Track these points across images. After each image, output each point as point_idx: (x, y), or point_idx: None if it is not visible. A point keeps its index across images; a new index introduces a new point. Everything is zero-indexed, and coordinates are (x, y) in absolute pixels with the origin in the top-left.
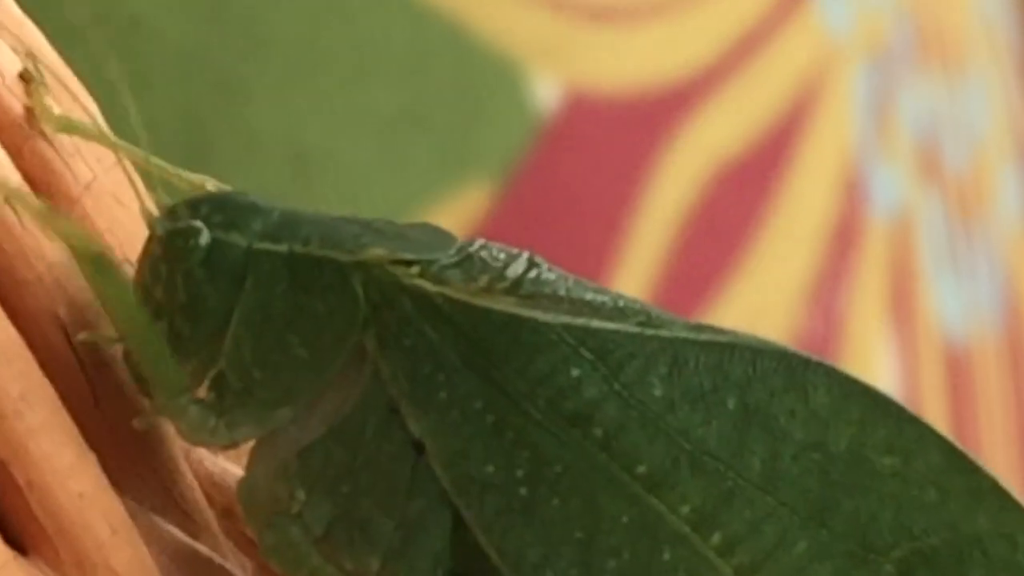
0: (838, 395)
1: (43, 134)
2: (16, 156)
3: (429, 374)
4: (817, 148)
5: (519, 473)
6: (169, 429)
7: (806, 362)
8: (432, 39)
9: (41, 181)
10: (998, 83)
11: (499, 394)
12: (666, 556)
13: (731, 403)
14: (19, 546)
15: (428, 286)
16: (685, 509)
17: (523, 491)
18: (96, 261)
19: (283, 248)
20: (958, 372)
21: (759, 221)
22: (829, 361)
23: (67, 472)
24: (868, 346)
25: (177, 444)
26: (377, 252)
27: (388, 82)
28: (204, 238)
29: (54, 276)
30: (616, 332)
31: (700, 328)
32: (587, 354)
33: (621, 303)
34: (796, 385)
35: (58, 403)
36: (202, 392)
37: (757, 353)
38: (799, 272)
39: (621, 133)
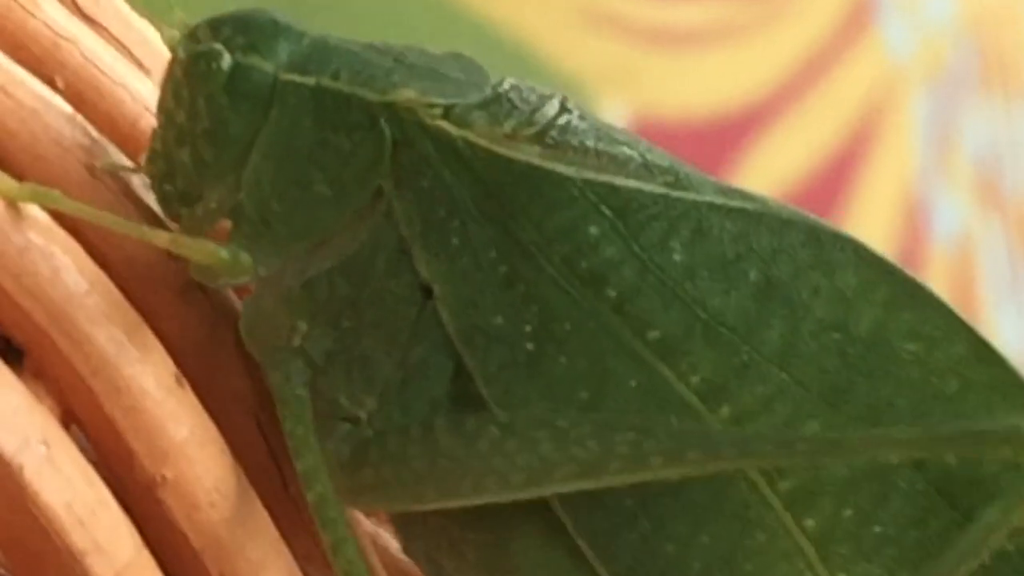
0: (865, 275)
1: None
2: None
3: (444, 218)
4: (880, 173)
5: (527, 328)
6: (358, 516)
7: (835, 237)
8: (501, 65)
9: None
10: None
11: (514, 245)
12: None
13: (753, 275)
14: None
15: (451, 128)
16: (695, 379)
17: (530, 346)
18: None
19: (311, 81)
20: None
21: None
22: (858, 238)
23: (260, 562)
24: None
25: (366, 531)
26: (407, 94)
27: None
28: (226, 62)
29: (243, 360)
30: (640, 192)
31: (730, 193)
32: (608, 212)
33: (650, 158)
34: (823, 261)
35: (251, 492)
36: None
37: (785, 224)
38: None
39: (687, 158)
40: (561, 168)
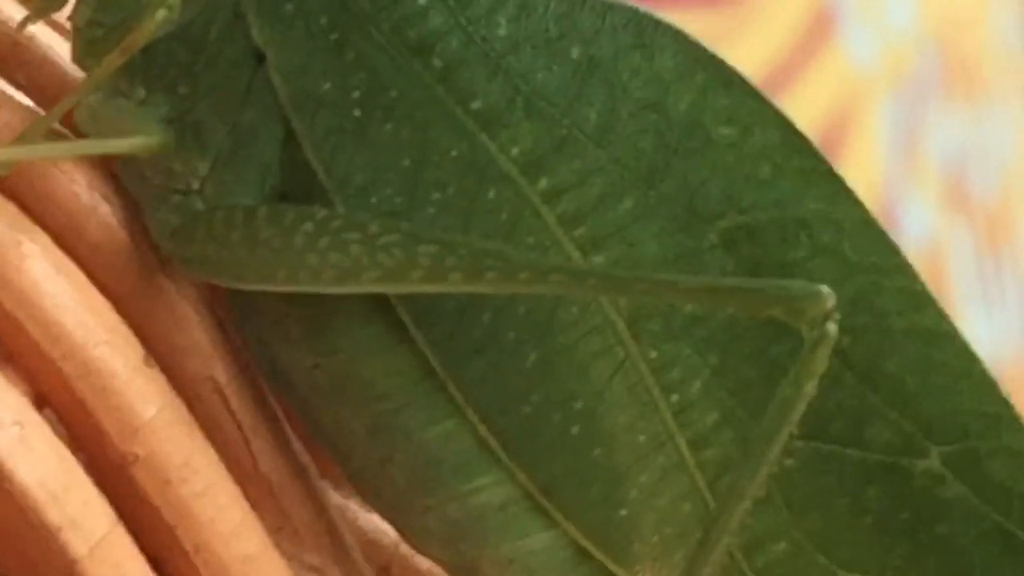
0: (684, 60)
1: None
2: None
3: None
4: (847, 179)
5: (355, 94)
6: (327, 489)
7: (656, 24)
8: None
9: None
10: (1023, 110)
11: (345, 13)
12: (491, 195)
13: (575, 53)
14: None
15: None
16: (515, 151)
17: (357, 112)
18: None
19: None
20: None
21: None
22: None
23: (232, 535)
24: None
25: (334, 504)
26: None
27: None
28: None
29: (210, 340)
30: None
31: None
32: None
33: None
34: (643, 44)
35: (220, 467)
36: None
37: (609, 8)
38: None
39: None
40: None
